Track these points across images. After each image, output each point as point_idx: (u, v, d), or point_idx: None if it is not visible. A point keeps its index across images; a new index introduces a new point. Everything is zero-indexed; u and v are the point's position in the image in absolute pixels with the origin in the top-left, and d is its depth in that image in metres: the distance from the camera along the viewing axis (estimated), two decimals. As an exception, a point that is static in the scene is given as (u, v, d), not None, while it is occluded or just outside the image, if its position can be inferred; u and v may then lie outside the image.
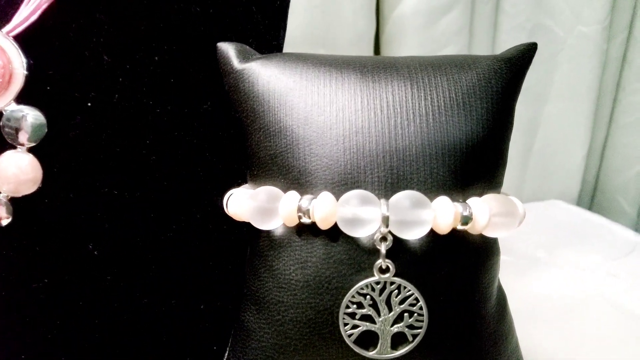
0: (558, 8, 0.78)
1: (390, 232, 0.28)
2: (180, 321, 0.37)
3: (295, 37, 0.66)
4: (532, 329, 0.51)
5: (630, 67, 0.83)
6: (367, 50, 0.72)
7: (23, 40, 0.31)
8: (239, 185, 0.35)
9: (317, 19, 0.67)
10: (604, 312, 0.55)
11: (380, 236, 0.28)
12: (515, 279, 0.62)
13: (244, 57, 0.33)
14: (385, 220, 0.27)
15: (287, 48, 0.65)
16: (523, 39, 0.79)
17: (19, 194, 0.31)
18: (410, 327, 0.29)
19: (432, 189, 0.29)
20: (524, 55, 0.34)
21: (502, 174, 0.33)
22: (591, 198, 0.94)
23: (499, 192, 0.33)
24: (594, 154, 0.90)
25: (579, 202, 0.92)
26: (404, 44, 0.72)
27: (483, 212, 0.28)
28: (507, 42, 0.78)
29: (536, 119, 0.85)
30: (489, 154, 0.31)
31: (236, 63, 0.33)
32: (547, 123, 0.85)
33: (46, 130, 0.31)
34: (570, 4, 0.77)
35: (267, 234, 0.31)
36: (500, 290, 0.34)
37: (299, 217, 0.29)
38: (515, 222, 0.29)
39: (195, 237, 0.37)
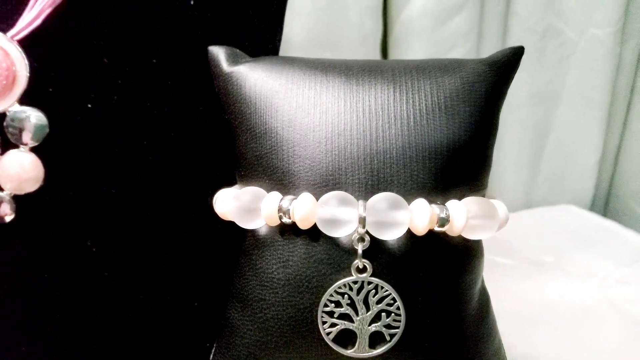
0: (570, 10, 0.77)
1: (367, 232, 0.28)
2: (175, 317, 0.38)
3: (301, 39, 0.67)
4: (537, 335, 0.50)
5: (645, 71, 0.81)
6: (374, 52, 0.73)
7: (27, 44, 0.32)
8: (231, 185, 0.35)
9: (323, 21, 0.67)
10: (612, 319, 0.54)
11: (357, 237, 0.28)
12: (521, 284, 0.61)
13: (233, 61, 0.34)
14: (362, 221, 0.28)
15: (294, 51, 0.66)
16: (534, 42, 0.78)
17: (22, 192, 0.32)
18: (388, 326, 0.29)
19: (412, 191, 0.29)
20: (509, 59, 0.34)
21: (486, 177, 0.33)
22: (605, 203, 0.92)
23: (482, 195, 0.33)
24: (607, 159, 0.88)
25: (593, 207, 0.90)
26: (412, 46, 0.71)
27: (460, 214, 0.28)
28: (517, 44, 0.77)
29: (547, 122, 0.84)
30: (471, 157, 0.31)
31: (225, 66, 0.34)
32: (558, 127, 0.84)
33: (48, 130, 0.32)
34: (582, 6, 0.76)
35: (253, 233, 0.32)
36: (484, 291, 0.34)
37: (280, 217, 0.29)
38: (494, 225, 0.29)
39: (190, 236, 0.38)
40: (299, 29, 0.66)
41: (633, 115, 0.84)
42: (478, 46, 0.76)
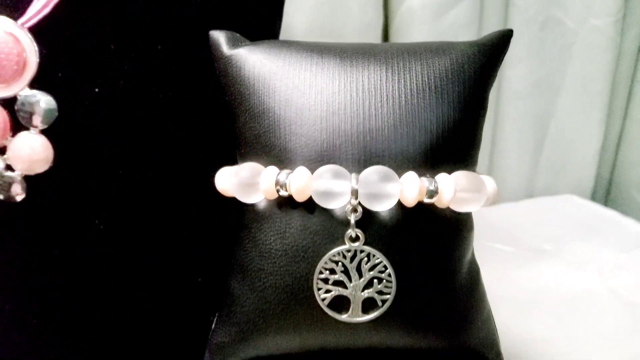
0: (569, 0, 0.77)
1: (360, 204, 0.30)
2: (180, 292, 0.40)
3: (304, 29, 0.68)
4: (534, 321, 0.51)
5: (646, 61, 0.82)
6: (375, 42, 0.74)
7: (36, 31, 0.33)
8: (233, 164, 0.37)
9: (325, 11, 0.69)
10: (609, 304, 0.55)
11: (350, 208, 0.30)
12: (518, 270, 0.62)
13: (233, 44, 0.35)
14: (355, 193, 0.29)
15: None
16: (534, 32, 0.79)
17: (33, 172, 0.34)
18: (380, 292, 0.31)
19: (402, 166, 0.31)
20: (498, 42, 0.35)
21: (475, 154, 0.34)
22: (606, 192, 0.93)
23: (472, 171, 0.34)
24: (608, 148, 0.89)
25: (594, 197, 0.91)
26: (412, 37, 0.72)
27: (448, 187, 0.30)
28: (518, 35, 0.78)
29: (548, 112, 0.84)
30: (460, 135, 0.33)
31: (225, 49, 0.35)
32: (559, 117, 0.85)
33: (57, 113, 0.34)
34: (582, -3, 0.77)
35: (252, 207, 0.34)
36: (474, 263, 0.35)
37: (277, 191, 0.31)
38: (481, 198, 0.31)
39: (196, 215, 0.39)
40: (301, 20, 0.68)
41: (633, 104, 0.85)
42: (478, 37, 0.76)
